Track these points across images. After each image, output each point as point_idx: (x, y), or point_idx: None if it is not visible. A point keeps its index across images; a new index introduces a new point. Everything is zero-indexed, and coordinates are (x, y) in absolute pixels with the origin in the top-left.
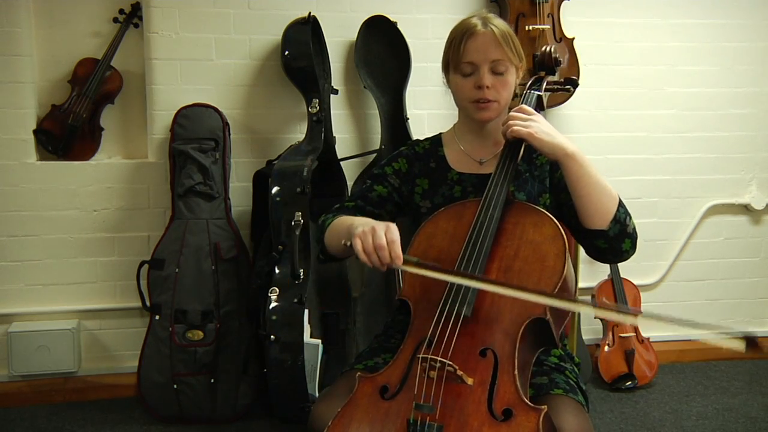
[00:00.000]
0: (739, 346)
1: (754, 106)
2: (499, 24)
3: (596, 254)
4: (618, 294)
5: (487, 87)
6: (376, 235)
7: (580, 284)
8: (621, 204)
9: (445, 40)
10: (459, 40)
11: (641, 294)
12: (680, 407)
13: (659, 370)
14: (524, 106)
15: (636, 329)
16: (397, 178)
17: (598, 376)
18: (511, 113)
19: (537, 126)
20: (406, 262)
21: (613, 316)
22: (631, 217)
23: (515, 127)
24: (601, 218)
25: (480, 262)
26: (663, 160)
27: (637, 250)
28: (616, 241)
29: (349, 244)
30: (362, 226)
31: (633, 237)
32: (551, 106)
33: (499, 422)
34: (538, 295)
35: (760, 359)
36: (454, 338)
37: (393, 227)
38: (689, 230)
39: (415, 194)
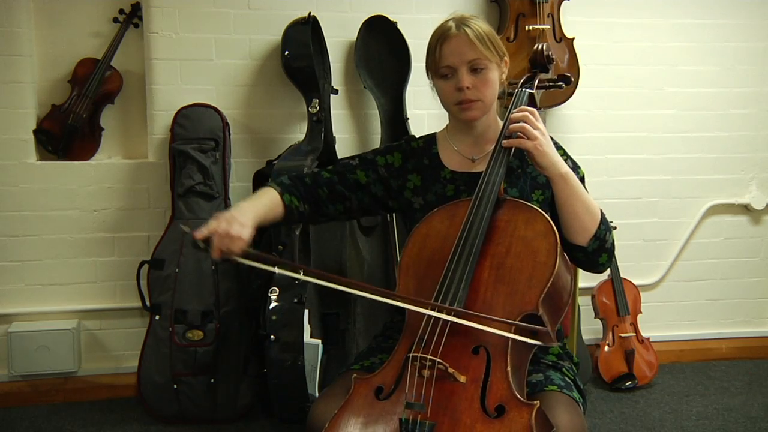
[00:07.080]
0: None
1: (754, 106)
2: (473, 24)
3: (575, 263)
4: (618, 294)
5: (468, 88)
6: (232, 225)
7: (580, 284)
8: (603, 220)
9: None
10: (434, 45)
11: (641, 294)
12: (680, 407)
13: (659, 370)
14: (534, 110)
15: (636, 329)
16: (387, 172)
17: (598, 376)
18: (522, 115)
19: (542, 140)
20: (243, 255)
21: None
22: (611, 232)
23: (522, 139)
24: (582, 236)
25: (471, 261)
26: (663, 160)
27: (612, 261)
28: (593, 254)
29: None
30: (235, 210)
31: (610, 251)
32: (552, 106)
33: (492, 419)
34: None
35: (760, 359)
36: (445, 336)
37: (247, 231)
38: (689, 230)
39: (406, 189)
